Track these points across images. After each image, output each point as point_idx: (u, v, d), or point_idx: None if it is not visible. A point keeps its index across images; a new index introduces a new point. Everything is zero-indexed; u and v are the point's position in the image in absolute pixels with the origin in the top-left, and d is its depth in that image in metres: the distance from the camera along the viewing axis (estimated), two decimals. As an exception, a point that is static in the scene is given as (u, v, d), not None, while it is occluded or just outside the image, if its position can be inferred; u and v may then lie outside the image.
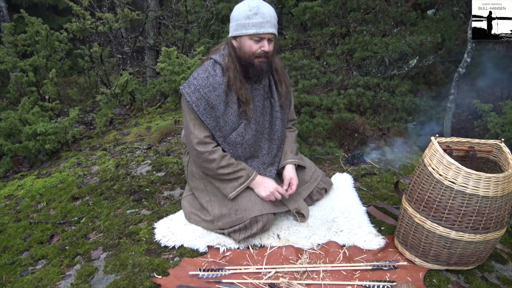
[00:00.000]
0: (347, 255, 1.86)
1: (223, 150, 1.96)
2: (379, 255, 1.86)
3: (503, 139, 1.77)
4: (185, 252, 1.90)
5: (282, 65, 2.11)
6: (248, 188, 1.96)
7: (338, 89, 3.32)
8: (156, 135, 3.38)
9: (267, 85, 2.02)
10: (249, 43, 1.82)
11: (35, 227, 2.24)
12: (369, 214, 2.12)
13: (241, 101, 1.91)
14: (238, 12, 1.82)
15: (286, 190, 2.01)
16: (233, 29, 1.85)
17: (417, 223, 1.70)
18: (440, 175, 1.60)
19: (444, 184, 1.59)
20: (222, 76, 1.88)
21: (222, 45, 1.98)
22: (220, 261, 1.83)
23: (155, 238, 2.00)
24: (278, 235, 1.98)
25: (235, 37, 1.87)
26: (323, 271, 1.75)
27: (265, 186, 1.95)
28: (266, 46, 1.83)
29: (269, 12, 1.81)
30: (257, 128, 2.02)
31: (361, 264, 1.78)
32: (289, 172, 2.07)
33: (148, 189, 2.48)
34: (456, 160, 1.58)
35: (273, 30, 1.82)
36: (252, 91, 1.97)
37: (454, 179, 1.56)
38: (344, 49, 3.78)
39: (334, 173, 2.56)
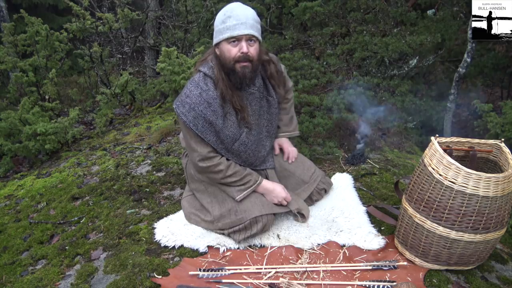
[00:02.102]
0: (347, 255, 1.86)
1: (227, 159, 1.95)
2: (379, 255, 1.86)
3: (503, 139, 1.77)
4: (185, 252, 1.90)
5: (279, 66, 2.05)
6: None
7: (338, 89, 3.31)
8: (156, 135, 3.38)
9: (261, 86, 1.97)
10: (228, 47, 1.76)
11: (35, 227, 2.24)
12: (369, 214, 2.12)
13: (237, 109, 1.87)
14: (216, 20, 1.80)
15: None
16: (214, 38, 1.82)
17: (417, 223, 1.70)
18: (440, 175, 1.60)
19: (444, 184, 1.59)
20: (214, 90, 1.82)
21: (209, 55, 1.91)
22: (220, 261, 1.83)
23: (155, 238, 2.00)
24: (278, 235, 1.98)
25: (217, 45, 1.82)
26: (323, 271, 1.75)
27: (275, 194, 1.99)
28: (245, 47, 1.74)
29: (245, 14, 1.74)
30: (258, 131, 2.01)
31: (361, 264, 1.78)
32: (284, 144, 2.22)
33: (148, 189, 2.48)
34: (456, 160, 1.58)
35: (250, 31, 1.73)
36: (247, 96, 1.92)
37: (454, 179, 1.56)
38: (344, 49, 3.78)
39: (334, 173, 2.56)
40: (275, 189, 1.99)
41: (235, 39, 1.75)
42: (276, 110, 2.04)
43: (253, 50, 1.78)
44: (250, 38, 1.76)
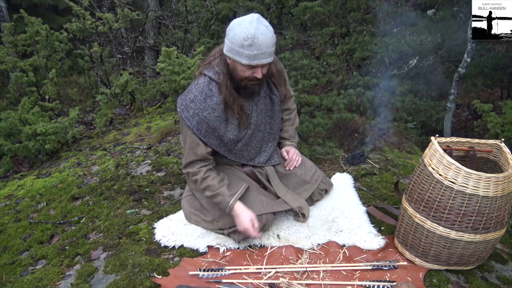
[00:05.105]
0: (347, 255, 1.86)
1: (210, 169, 1.93)
2: (379, 255, 1.86)
3: (503, 139, 1.77)
4: (185, 252, 1.90)
5: (279, 66, 2.05)
6: (248, 188, 1.97)
7: (338, 89, 3.31)
8: (156, 135, 3.38)
9: (265, 85, 1.98)
10: (242, 68, 1.73)
11: (35, 227, 2.24)
12: (369, 214, 2.12)
13: (239, 114, 1.87)
14: (234, 35, 1.67)
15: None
16: (228, 49, 1.73)
17: (417, 223, 1.70)
18: (440, 175, 1.60)
19: (444, 184, 1.59)
20: (219, 95, 1.82)
21: (214, 59, 1.87)
22: (220, 261, 1.83)
23: (155, 238, 2.00)
24: (278, 235, 1.98)
25: (229, 57, 1.75)
26: (323, 271, 1.75)
27: (239, 221, 1.84)
28: (259, 74, 1.74)
29: (266, 42, 1.66)
30: (262, 130, 2.03)
31: (361, 264, 1.78)
32: (291, 150, 2.19)
33: (148, 189, 2.48)
34: (456, 160, 1.58)
35: (268, 60, 1.72)
36: (255, 98, 1.95)
37: (454, 179, 1.56)
38: (344, 49, 3.78)
39: (334, 173, 2.56)
40: (240, 215, 1.83)
41: (251, 66, 1.71)
42: (278, 108, 2.08)
43: (265, 70, 1.78)
44: (265, 65, 1.75)
